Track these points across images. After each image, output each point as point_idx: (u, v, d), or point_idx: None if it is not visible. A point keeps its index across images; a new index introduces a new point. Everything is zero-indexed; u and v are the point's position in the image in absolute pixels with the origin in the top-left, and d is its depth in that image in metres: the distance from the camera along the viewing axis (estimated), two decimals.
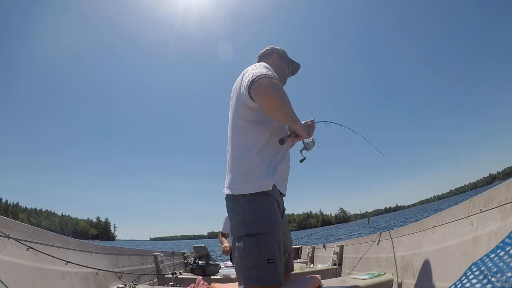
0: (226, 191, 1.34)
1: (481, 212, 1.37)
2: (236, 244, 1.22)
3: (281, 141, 1.33)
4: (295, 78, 1.81)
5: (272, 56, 1.65)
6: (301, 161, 1.64)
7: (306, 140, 1.59)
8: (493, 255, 0.97)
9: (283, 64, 1.67)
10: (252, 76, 1.26)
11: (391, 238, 2.42)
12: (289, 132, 1.44)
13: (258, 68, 1.31)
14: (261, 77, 1.24)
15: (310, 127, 1.65)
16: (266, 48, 1.69)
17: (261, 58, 1.67)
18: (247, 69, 1.38)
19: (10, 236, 1.55)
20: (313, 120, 1.71)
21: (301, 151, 1.61)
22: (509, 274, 0.83)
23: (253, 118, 1.36)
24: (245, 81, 1.29)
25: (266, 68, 1.33)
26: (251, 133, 1.34)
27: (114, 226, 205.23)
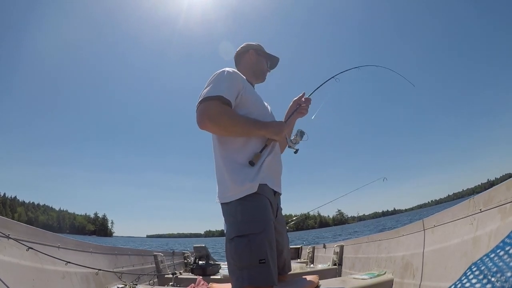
0: (217, 200, 1.35)
1: (481, 212, 1.37)
2: (228, 245, 1.22)
3: (251, 163, 1.28)
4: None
5: (249, 53, 1.60)
6: (295, 152, 1.60)
7: (290, 138, 1.55)
8: (493, 255, 0.97)
9: (261, 60, 1.62)
10: (197, 101, 1.28)
11: (391, 238, 2.42)
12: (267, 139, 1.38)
13: (206, 87, 1.30)
14: (200, 103, 1.25)
15: (302, 108, 1.62)
16: (241, 46, 1.64)
17: (238, 56, 1.63)
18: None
19: (10, 236, 1.55)
20: (303, 94, 1.65)
21: (289, 147, 1.57)
22: (509, 274, 0.83)
23: None
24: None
25: (217, 81, 1.31)
26: (229, 140, 1.33)
27: (112, 223, 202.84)
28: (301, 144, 1.58)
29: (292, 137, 1.55)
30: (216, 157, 1.38)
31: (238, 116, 1.29)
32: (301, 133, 1.56)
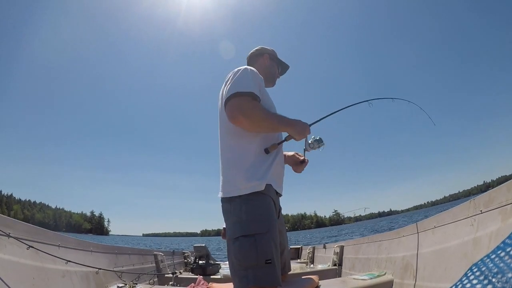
0: (220, 194, 1.34)
1: (481, 213, 1.37)
2: (232, 245, 1.21)
3: (266, 151, 1.32)
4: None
5: (263, 57, 1.64)
6: (301, 162, 1.61)
7: (309, 140, 1.53)
8: (493, 256, 0.97)
9: (273, 65, 1.66)
10: (226, 95, 1.28)
11: (391, 239, 2.42)
12: (286, 135, 1.41)
13: (234, 82, 1.30)
14: (231, 97, 1.26)
15: (301, 163, 1.63)
16: (256, 48, 1.67)
17: (251, 58, 1.66)
18: (229, 75, 1.38)
19: (10, 235, 1.55)
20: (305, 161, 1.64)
21: (304, 150, 1.57)
22: (509, 275, 0.83)
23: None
24: (224, 97, 1.30)
25: (244, 78, 1.32)
26: (240, 135, 1.33)
27: (108, 221, 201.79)
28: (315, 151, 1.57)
29: (310, 141, 1.54)
30: (225, 150, 1.37)
31: (268, 111, 1.31)
32: (319, 141, 1.53)
